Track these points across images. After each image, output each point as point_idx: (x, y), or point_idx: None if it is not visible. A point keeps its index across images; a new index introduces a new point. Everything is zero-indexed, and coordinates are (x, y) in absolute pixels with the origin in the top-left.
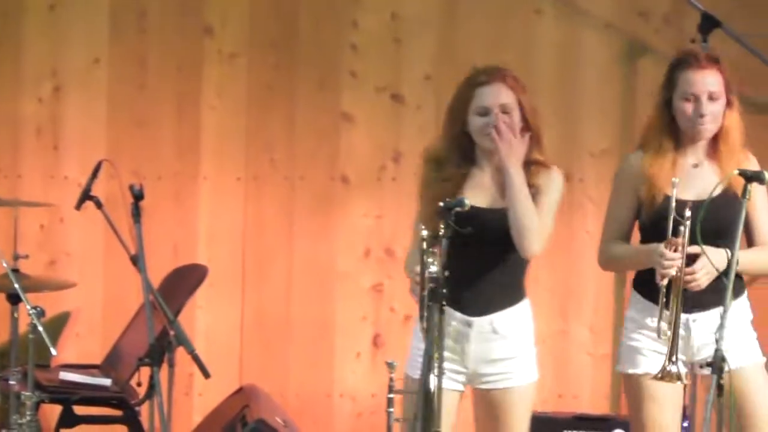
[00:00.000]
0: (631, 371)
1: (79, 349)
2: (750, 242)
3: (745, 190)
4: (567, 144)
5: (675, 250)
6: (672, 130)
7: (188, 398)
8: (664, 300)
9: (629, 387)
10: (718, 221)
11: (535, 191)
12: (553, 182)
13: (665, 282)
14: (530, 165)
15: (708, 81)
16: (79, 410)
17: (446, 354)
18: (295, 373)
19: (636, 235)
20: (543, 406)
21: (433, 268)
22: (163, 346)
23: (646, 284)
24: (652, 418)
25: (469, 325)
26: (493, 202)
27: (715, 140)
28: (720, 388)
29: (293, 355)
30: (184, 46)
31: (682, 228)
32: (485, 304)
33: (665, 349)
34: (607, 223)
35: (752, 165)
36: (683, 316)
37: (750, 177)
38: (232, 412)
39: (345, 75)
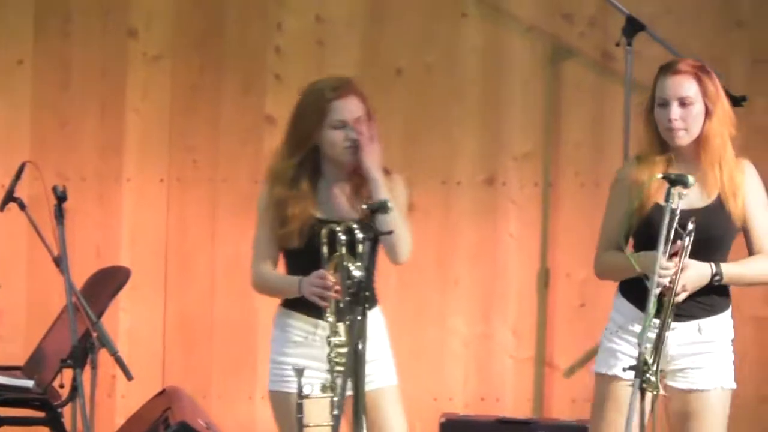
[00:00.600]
0: (603, 372)
1: (2, 351)
2: (750, 250)
3: (668, 194)
4: (490, 147)
5: (670, 260)
6: (659, 138)
7: (111, 400)
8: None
9: (598, 387)
10: (708, 231)
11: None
12: (399, 188)
13: (657, 291)
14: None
15: (680, 86)
16: (2, 412)
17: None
18: (217, 375)
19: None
20: (465, 410)
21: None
22: (85, 348)
23: (633, 291)
24: (609, 420)
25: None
26: (347, 214)
27: (696, 148)
28: (642, 392)
29: (216, 357)
30: (108, 49)
31: (681, 239)
32: (347, 310)
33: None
34: (601, 232)
35: (746, 174)
36: (657, 322)
37: (674, 181)
38: (154, 414)
39: (269, 77)
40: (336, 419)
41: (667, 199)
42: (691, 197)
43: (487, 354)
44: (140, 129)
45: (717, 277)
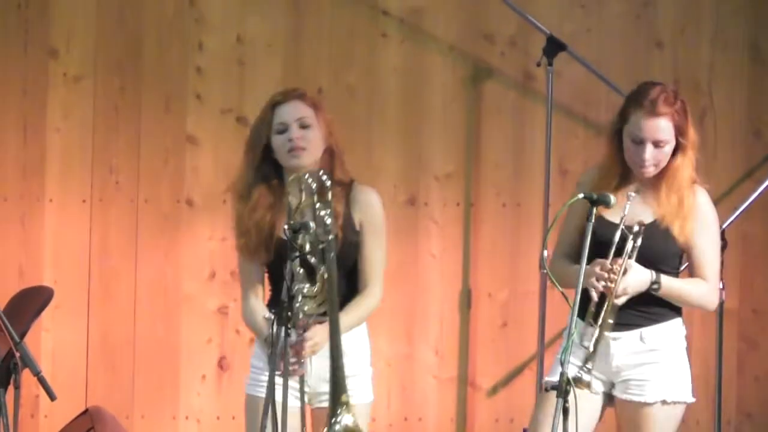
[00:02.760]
0: (548, 378)
1: None
2: (691, 275)
3: (590, 213)
4: (412, 168)
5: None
6: (620, 157)
7: (34, 420)
8: (593, 313)
9: (540, 395)
10: (649, 249)
11: None
12: (372, 204)
13: (596, 296)
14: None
15: (658, 129)
16: None
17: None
18: (140, 395)
19: None
20: (389, 430)
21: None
22: (9, 368)
23: (581, 303)
24: (537, 420)
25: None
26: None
27: (661, 176)
28: (565, 411)
29: (139, 377)
30: (28, 68)
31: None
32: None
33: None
34: (558, 238)
35: (698, 201)
36: (605, 334)
37: (595, 201)
38: None
39: (190, 97)
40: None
41: (588, 219)
42: (638, 212)
43: (410, 374)
44: (62, 149)
45: (655, 286)
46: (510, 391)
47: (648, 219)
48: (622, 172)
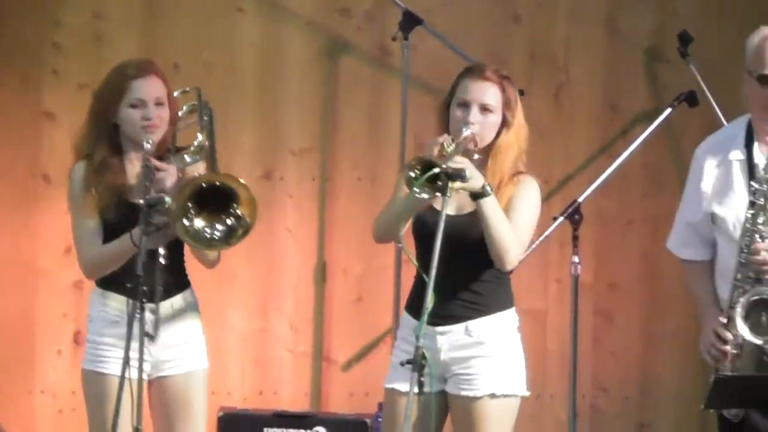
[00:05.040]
0: (384, 385)
1: None
2: None
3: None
4: (268, 142)
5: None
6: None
7: None
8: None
9: (390, 403)
10: (470, 236)
11: None
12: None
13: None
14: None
15: (484, 92)
16: None
17: (134, 344)
18: None
19: None
20: (243, 404)
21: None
22: None
23: (415, 305)
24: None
25: (153, 312)
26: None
27: (487, 154)
28: (420, 385)
29: None
30: None
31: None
32: (166, 289)
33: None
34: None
35: (518, 188)
36: (431, 329)
37: (451, 175)
38: None
39: (47, 73)
40: None
41: (444, 193)
42: (462, 201)
43: (265, 348)
44: None
45: (487, 188)
46: (364, 365)
47: (470, 208)
48: None
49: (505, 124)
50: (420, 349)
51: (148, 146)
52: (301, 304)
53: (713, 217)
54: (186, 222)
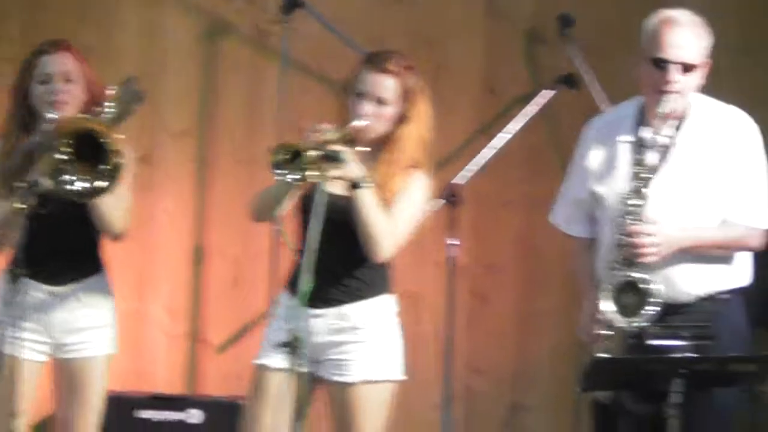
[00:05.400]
0: (255, 361)
1: None
2: None
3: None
4: (147, 125)
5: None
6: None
7: None
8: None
9: (252, 376)
10: (349, 219)
11: None
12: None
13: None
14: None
15: (382, 86)
16: None
17: (29, 325)
18: None
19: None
20: (119, 386)
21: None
22: None
23: (293, 283)
24: (252, 410)
25: (53, 295)
26: None
27: (382, 146)
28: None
29: None
30: None
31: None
32: (68, 274)
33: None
34: None
35: (407, 183)
36: (305, 310)
37: (330, 157)
38: None
39: None
40: None
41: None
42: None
43: (141, 330)
44: None
45: (365, 180)
46: (239, 348)
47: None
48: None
49: (403, 116)
50: (295, 330)
51: (51, 116)
52: (177, 286)
53: (595, 196)
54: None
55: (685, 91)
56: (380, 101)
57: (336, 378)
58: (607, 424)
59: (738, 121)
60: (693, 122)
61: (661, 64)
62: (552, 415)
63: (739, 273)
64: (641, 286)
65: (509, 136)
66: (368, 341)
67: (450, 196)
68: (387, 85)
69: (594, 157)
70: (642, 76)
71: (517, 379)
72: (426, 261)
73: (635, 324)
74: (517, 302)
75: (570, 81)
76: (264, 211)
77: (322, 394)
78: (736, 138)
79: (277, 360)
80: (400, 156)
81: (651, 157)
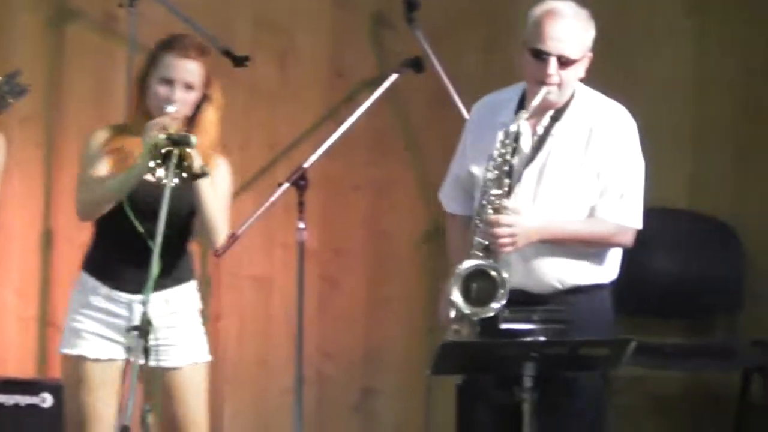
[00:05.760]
0: (67, 352)
1: None
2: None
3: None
4: None
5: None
6: (144, 107)
7: None
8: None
9: (66, 368)
10: (175, 207)
11: None
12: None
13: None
14: None
15: (188, 70)
16: None
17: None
18: None
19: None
20: None
21: None
22: None
23: (93, 262)
24: (85, 402)
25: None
26: None
27: (189, 128)
28: (146, 352)
29: None
30: None
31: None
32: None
33: (108, 332)
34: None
35: (218, 171)
36: (127, 297)
37: (177, 141)
38: None
39: None
40: None
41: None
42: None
43: None
44: None
45: (205, 168)
46: None
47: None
48: (149, 120)
49: (206, 100)
50: (146, 315)
51: None
52: (26, 270)
53: (472, 176)
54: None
55: (565, 84)
56: (188, 86)
57: (159, 363)
58: (467, 407)
59: (617, 117)
60: (572, 114)
61: (541, 56)
62: (403, 399)
63: (606, 268)
64: (492, 274)
65: (355, 119)
66: (188, 325)
67: (297, 179)
68: (193, 69)
69: (473, 137)
70: (524, 65)
71: (367, 363)
72: (274, 244)
73: (481, 313)
74: (367, 286)
75: (416, 64)
76: (102, 205)
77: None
78: (614, 134)
79: (94, 350)
80: (204, 140)
81: (521, 147)
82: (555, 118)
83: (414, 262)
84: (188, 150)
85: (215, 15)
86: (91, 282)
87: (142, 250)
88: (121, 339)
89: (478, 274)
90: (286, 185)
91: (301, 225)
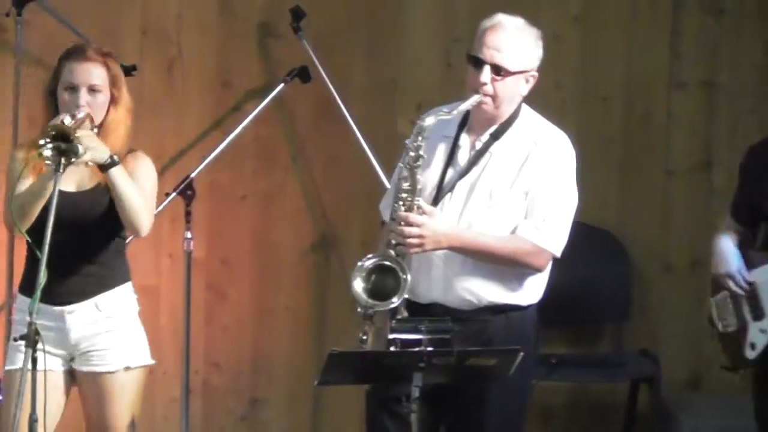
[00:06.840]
0: (9, 368)
1: None
2: None
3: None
4: None
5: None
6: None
7: None
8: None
9: (8, 385)
10: (90, 212)
11: None
12: None
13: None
14: None
15: (89, 73)
16: None
17: None
18: None
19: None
20: None
21: None
22: None
23: (25, 281)
24: (17, 415)
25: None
26: None
27: (101, 136)
28: (34, 361)
29: None
30: None
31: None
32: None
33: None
34: None
35: (137, 165)
36: (58, 309)
37: (64, 151)
38: None
39: None
40: None
41: (57, 169)
42: (82, 177)
43: None
44: None
45: (114, 157)
46: None
47: (91, 184)
48: None
49: (113, 101)
50: (33, 324)
51: None
52: None
53: None
54: None
55: (500, 97)
56: (92, 89)
57: (94, 368)
58: (373, 413)
59: (556, 143)
60: (512, 135)
61: (477, 64)
62: (290, 409)
63: (526, 291)
64: (395, 270)
65: (242, 129)
66: (121, 328)
67: (184, 189)
68: (96, 72)
69: (425, 149)
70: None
71: (255, 373)
72: (161, 254)
73: (378, 307)
74: (254, 296)
75: (303, 74)
76: (29, 212)
77: (81, 388)
78: (550, 159)
79: (20, 360)
80: (117, 141)
81: (457, 160)
82: (495, 137)
83: (301, 272)
84: (66, 127)
85: (103, 24)
86: (25, 301)
87: (66, 261)
88: (58, 351)
89: (386, 270)
90: (173, 195)
91: (188, 235)
